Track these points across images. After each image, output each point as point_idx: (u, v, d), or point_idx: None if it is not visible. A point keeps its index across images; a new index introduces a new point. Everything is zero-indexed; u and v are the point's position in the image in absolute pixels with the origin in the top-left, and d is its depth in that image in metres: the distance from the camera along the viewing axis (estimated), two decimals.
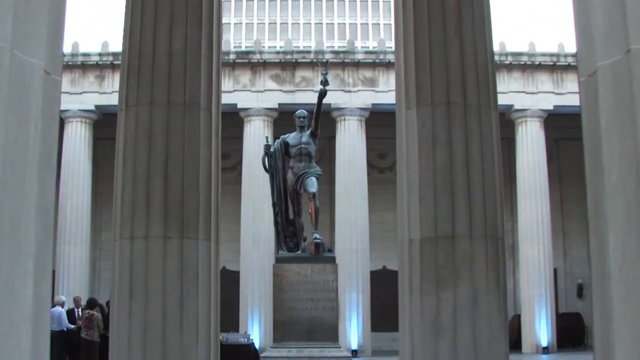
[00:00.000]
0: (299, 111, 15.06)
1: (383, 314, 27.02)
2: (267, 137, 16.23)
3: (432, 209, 6.59)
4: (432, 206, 6.59)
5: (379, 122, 26.69)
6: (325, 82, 14.10)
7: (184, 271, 6.40)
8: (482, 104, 6.88)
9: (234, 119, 26.05)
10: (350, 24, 28.06)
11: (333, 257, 13.83)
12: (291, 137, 14.77)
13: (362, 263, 23.94)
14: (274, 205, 14.64)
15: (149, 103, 6.74)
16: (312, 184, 14.12)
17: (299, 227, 14.52)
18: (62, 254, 23.55)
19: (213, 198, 6.82)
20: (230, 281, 27.10)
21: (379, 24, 31.11)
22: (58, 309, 14.62)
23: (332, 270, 13.42)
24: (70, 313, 15.44)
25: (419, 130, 6.81)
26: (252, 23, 27.60)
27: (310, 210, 14.04)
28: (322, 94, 14.17)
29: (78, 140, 24.50)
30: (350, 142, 24.67)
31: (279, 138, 15.17)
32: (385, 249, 28.91)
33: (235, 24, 29.19)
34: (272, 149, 14.75)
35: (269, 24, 27.98)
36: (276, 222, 14.57)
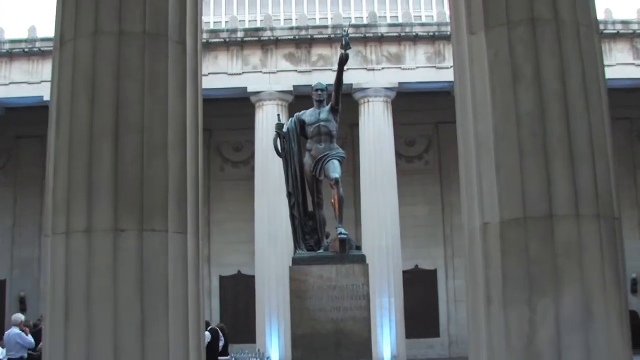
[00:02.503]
0: (316, 83, 13.03)
1: (417, 318, 25.02)
2: (278, 115, 14.18)
3: (516, 179, 4.53)
4: (517, 174, 4.53)
5: (405, 105, 24.62)
6: (346, 46, 12.04)
7: (145, 280, 4.38)
8: (581, 22, 4.79)
9: (244, 106, 24.11)
10: None
11: (363, 256, 11.73)
12: (308, 115, 12.75)
13: (393, 263, 21.82)
14: (289, 195, 12.60)
15: (92, 34, 4.73)
16: (335, 169, 12.05)
17: (321, 222, 12.45)
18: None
19: (191, 172, 4.80)
20: (246, 287, 25.19)
21: None
22: (14, 330, 11.91)
23: (361, 272, 11.34)
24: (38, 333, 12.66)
25: (491, 64, 4.74)
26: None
27: (333, 201, 11.95)
28: (344, 60, 12.10)
29: None
30: (376, 126, 22.58)
31: (293, 116, 13.16)
32: (417, 246, 26.91)
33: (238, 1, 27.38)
34: (285, 129, 12.71)
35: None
36: (292, 217, 12.52)
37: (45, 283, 4.59)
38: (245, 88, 22.91)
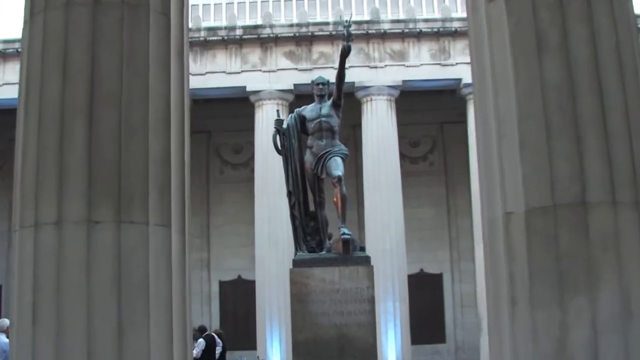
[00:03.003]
0: (317, 77, 12.54)
1: (422, 323, 24.47)
2: (278, 111, 13.68)
3: (543, 160, 4.02)
4: (544, 155, 4.02)
5: (408, 104, 24.13)
6: (348, 37, 11.53)
7: (122, 278, 3.87)
8: None
9: (244, 107, 23.62)
10: None
11: (367, 257, 11.18)
12: (308, 110, 12.23)
13: (397, 266, 21.27)
14: (289, 195, 12.07)
15: (64, 4, 4.23)
16: (337, 166, 11.52)
17: (323, 222, 11.92)
18: None
19: (176, 158, 4.30)
20: (246, 292, 24.63)
21: None
22: (1, 338, 11.01)
23: (366, 274, 10.80)
24: None
25: (512, 32, 4.24)
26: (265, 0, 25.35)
27: (335, 199, 11.41)
28: (346, 52, 11.59)
29: None
30: (379, 125, 22.06)
31: (293, 112, 12.66)
32: (422, 250, 26.43)
33: (239, 3, 26.85)
34: (285, 125, 12.20)
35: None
36: (293, 217, 11.99)
37: (13, 285, 4.10)
38: (244, 87, 22.42)
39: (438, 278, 27.07)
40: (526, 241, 3.97)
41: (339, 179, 11.30)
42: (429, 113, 27.01)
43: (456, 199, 27.55)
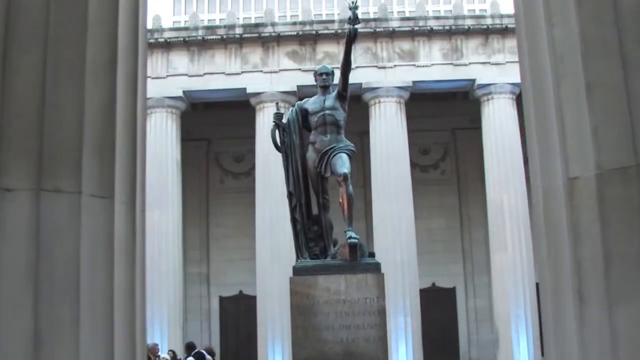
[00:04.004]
0: (320, 66, 11.58)
1: (435, 339, 23.37)
2: (277, 104, 12.68)
3: (620, 106, 2.98)
4: (621, 99, 2.98)
5: (418, 110, 23.22)
6: (354, 20, 10.55)
7: (42, 266, 2.83)
8: None
9: (245, 113, 22.68)
10: None
11: (377, 263, 10.11)
12: (311, 102, 11.26)
13: (409, 279, 20.20)
14: (289, 196, 11.07)
15: None
16: (343, 163, 10.49)
17: (327, 226, 10.89)
18: None
19: (124, 110, 3.27)
20: (248, 308, 23.62)
21: None
22: None
23: (375, 283, 9.73)
24: None
25: None
26: None
27: (340, 200, 10.35)
28: (352, 36, 10.61)
29: None
30: (388, 128, 21.07)
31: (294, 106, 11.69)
32: (434, 263, 25.46)
33: None
34: (285, 120, 11.22)
35: None
36: (294, 220, 10.96)
37: None
38: (245, 89, 21.53)
39: (451, 292, 26.20)
40: (599, 215, 2.92)
41: (345, 176, 10.27)
42: (439, 119, 26.25)
43: (469, 209, 26.70)
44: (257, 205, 21.37)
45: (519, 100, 21.82)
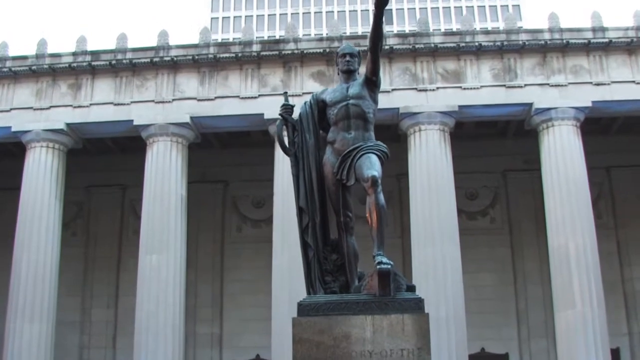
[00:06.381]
0: (344, 45, 9.21)
1: None
2: (285, 93, 10.21)
3: None
4: None
5: (463, 149, 20.83)
6: None
7: None
8: None
9: (265, 147, 20.39)
10: (420, 8, 22.06)
11: (418, 299, 7.34)
12: (330, 91, 8.98)
13: (456, 340, 17.36)
14: (299, 213, 8.60)
15: None
16: (372, 164, 7.96)
17: (350, 254, 8.34)
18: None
19: None
20: None
21: (460, 7, 24.89)
22: None
23: (416, 329, 7.01)
24: None
25: None
26: (285, 13, 22.13)
27: (368, 212, 7.69)
28: (381, 4, 8.11)
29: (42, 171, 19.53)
30: (430, 160, 18.61)
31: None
32: (483, 325, 22.84)
33: (257, 16, 23.96)
34: (296, 115, 8.88)
35: (304, 13, 22.39)
36: (305, 245, 8.42)
37: None
38: (262, 114, 19.45)
39: (503, 359, 23.54)
40: None
41: (375, 180, 7.71)
42: (488, 159, 24.02)
43: (524, 262, 24.32)
44: (274, 252, 18.95)
45: (583, 127, 19.27)
